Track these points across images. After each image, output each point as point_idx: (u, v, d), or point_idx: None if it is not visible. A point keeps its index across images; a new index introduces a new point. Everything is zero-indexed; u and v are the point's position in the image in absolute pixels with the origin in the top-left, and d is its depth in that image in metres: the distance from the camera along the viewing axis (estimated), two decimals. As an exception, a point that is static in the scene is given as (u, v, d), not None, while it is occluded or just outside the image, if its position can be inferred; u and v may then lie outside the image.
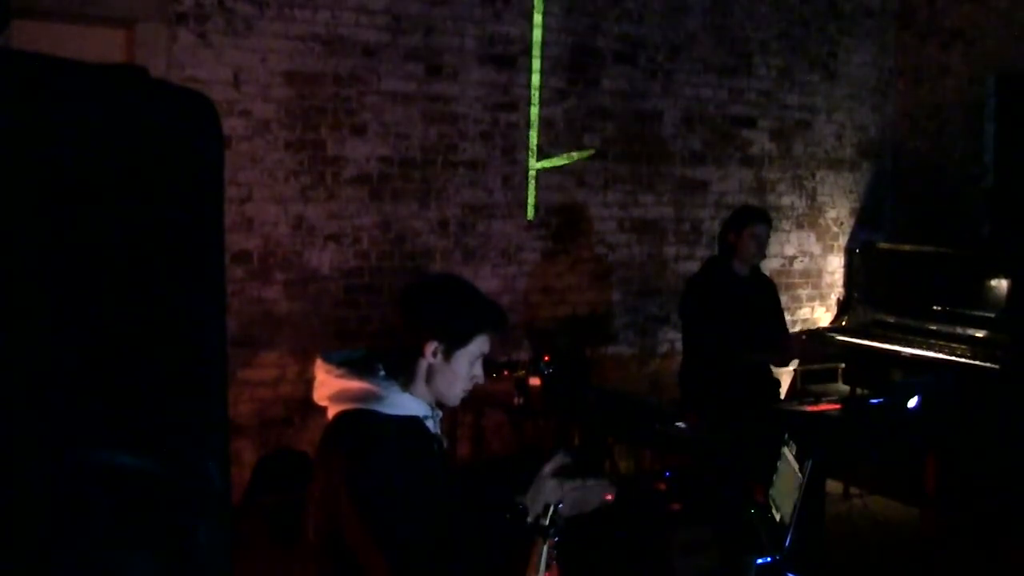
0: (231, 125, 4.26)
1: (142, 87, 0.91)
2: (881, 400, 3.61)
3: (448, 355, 2.03)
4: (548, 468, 2.07)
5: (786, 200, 6.10)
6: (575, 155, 5.13)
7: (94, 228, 0.86)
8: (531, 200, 5.12)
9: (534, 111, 5.10)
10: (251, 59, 4.35)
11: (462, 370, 2.05)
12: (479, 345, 2.05)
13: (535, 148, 5.11)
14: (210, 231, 0.96)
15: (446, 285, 2.20)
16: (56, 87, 0.85)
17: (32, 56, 0.86)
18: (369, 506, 1.86)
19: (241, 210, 4.35)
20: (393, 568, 1.84)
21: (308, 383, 2.08)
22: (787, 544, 2.19)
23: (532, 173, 5.12)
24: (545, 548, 1.77)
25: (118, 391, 0.87)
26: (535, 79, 5.09)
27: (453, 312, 2.05)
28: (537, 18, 5.08)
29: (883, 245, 5.98)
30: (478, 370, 2.08)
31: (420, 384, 2.05)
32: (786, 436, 2.53)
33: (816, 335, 5.70)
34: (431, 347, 2.02)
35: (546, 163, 4.98)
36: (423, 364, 2.04)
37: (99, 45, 4.09)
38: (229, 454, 1.03)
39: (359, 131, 4.63)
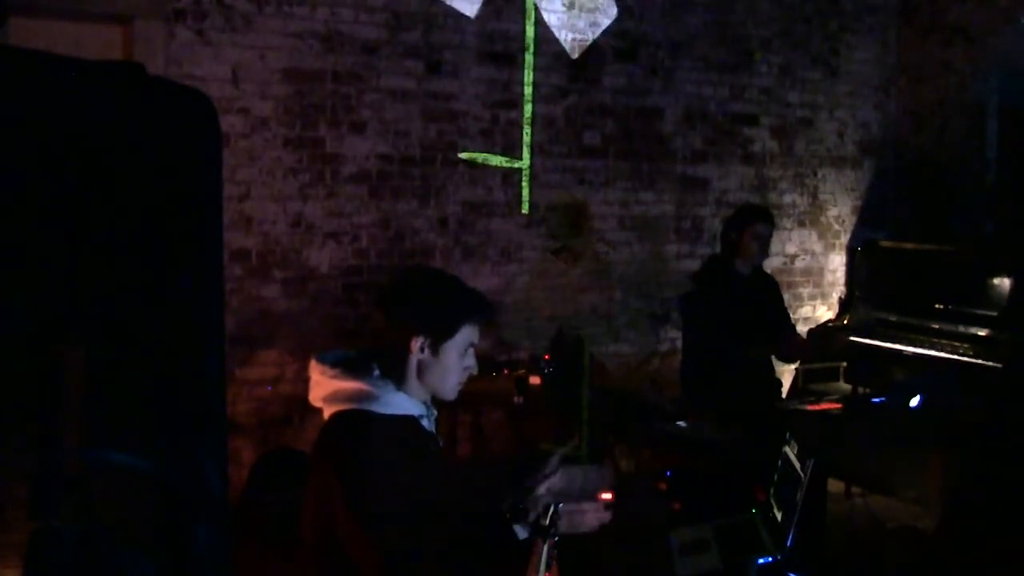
0: (229, 122, 4.25)
1: (140, 84, 0.90)
2: (883, 399, 3.60)
3: (435, 349, 2.01)
4: (544, 475, 2.06)
5: (788, 198, 6.08)
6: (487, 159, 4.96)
7: (91, 225, 0.85)
8: (525, 196, 5.10)
9: (528, 108, 5.08)
10: (249, 56, 4.34)
11: (452, 362, 2.03)
12: (466, 335, 2.04)
13: (530, 145, 5.08)
14: (208, 229, 0.95)
15: (425, 279, 2.20)
16: (53, 84, 0.83)
17: (30, 53, 0.85)
18: (364, 507, 1.85)
19: (240, 208, 4.34)
20: (389, 569, 1.83)
21: (307, 382, 2.08)
22: (788, 544, 2.18)
23: (525, 172, 5.10)
24: (545, 548, 1.76)
25: (116, 390, 0.85)
26: (528, 75, 5.06)
27: (435, 305, 2.03)
28: (532, 14, 5.05)
29: (885, 243, 5.96)
30: (470, 361, 2.06)
31: (413, 381, 2.03)
32: (787, 435, 2.52)
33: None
34: (417, 343, 2.00)
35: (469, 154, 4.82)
36: (412, 360, 2.02)
37: (97, 42, 4.08)
38: (227, 453, 1.01)
39: (358, 128, 4.62)
